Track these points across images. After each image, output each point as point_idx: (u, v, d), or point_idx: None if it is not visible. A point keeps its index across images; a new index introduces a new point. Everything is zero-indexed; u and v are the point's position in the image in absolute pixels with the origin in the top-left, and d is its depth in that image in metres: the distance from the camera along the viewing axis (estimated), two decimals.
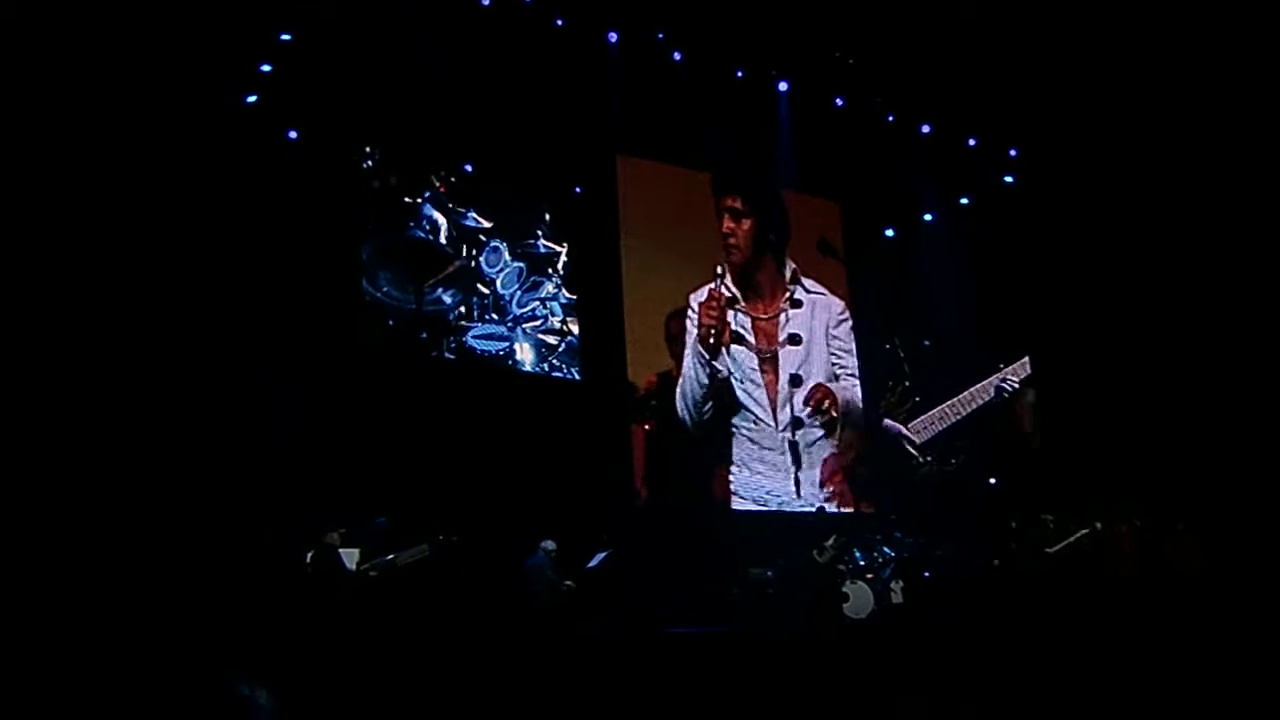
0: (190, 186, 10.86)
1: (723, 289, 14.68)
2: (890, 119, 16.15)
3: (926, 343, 16.53)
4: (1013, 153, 16.85)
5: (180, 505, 9.90)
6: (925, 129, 16.36)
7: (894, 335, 16.42)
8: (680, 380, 14.43)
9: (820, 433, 15.28)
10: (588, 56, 13.96)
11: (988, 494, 15.41)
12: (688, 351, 14.56)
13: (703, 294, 14.71)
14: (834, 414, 15.26)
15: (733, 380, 14.69)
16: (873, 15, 14.20)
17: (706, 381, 14.43)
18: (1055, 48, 14.27)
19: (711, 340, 14.53)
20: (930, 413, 16.39)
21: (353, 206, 12.70)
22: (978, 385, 16.49)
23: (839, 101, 15.85)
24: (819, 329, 15.71)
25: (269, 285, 11.39)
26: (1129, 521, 12.77)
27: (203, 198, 10.93)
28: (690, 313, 14.68)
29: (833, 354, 15.80)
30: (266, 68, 11.78)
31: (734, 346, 14.80)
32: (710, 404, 14.40)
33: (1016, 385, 16.60)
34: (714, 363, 14.50)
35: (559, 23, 13.64)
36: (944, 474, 16.17)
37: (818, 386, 15.30)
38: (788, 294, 15.49)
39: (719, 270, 14.69)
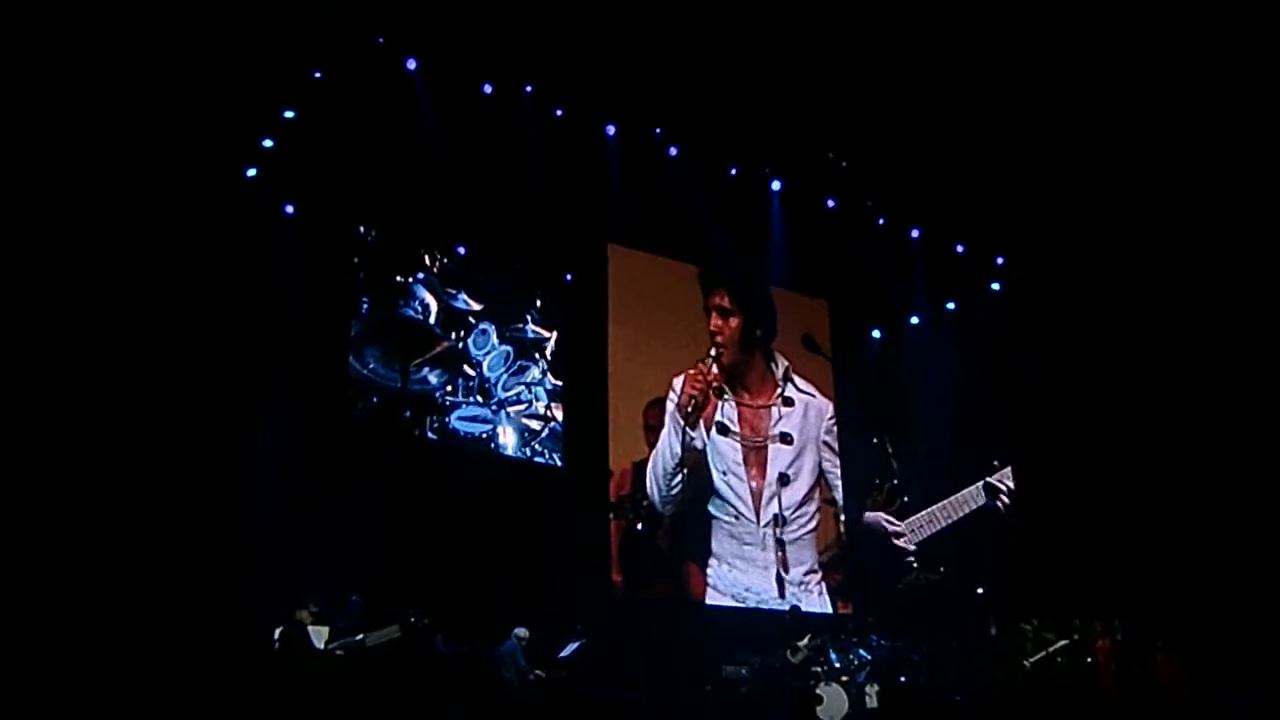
0: (187, 256, 10.94)
1: (712, 368, 14.80)
2: (881, 222, 16.39)
3: (922, 451, 16.45)
4: (1000, 260, 17.06)
5: (152, 574, 9.80)
6: (915, 233, 16.59)
7: (883, 434, 16.40)
8: (653, 455, 14.38)
9: (803, 530, 15.20)
10: (585, 147, 14.20)
11: (973, 603, 15.26)
12: (666, 424, 14.56)
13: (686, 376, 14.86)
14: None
15: (713, 468, 14.65)
16: (866, 120, 14.51)
17: (680, 451, 14.36)
18: (1046, 158, 14.57)
19: (690, 409, 14.56)
20: (921, 514, 16.29)
21: (345, 282, 12.77)
22: (969, 489, 16.45)
23: (831, 203, 16.09)
24: (811, 432, 15.76)
25: (258, 357, 11.41)
26: (1110, 636, 12.65)
27: (199, 267, 11.01)
28: (672, 394, 14.71)
29: (824, 460, 15.84)
30: (268, 143, 11.95)
31: (718, 437, 14.80)
32: (680, 478, 14.28)
33: (1010, 486, 16.54)
34: (689, 430, 14.47)
35: (559, 113, 13.89)
36: (930, 581, 16.02)
37: None
38: (779, 390, 15.56)
39: (712, 353, 14.88)
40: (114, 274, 10.47)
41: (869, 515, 16.12)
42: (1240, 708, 10.56)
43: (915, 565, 16.05)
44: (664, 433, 14.50)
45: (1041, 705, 11.95)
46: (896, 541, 16.11)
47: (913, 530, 16.22)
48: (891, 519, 16.23)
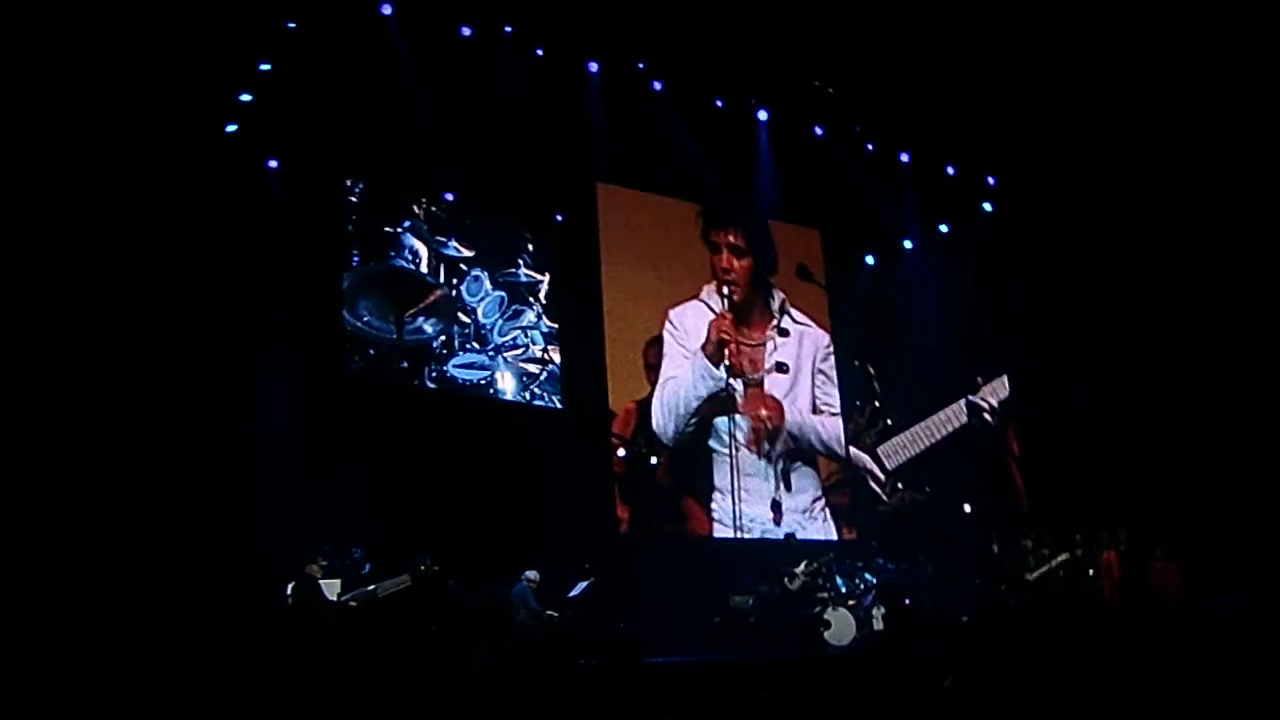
0: (171, 216, 10.84)
1: (727, 309, 14.89)
2: (869, 148, 16.27)
3: (906, 371, 16.41)
4: (991, 181, 16.99)
5: (161, 537, 9.86)
6: (904, 157, 16.48)
7: (865, 356, 16.38)
8: (667, 393, 14.40)
9: (802, 460, 15.28)
10: (568, 86, 14.03)
11: (962, 521, 15.41)
12: (687, 361, 14.58)
13: (685, 310, 14.86)
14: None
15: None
16: (852, 45, 14.33)
17: (704, 394, 14.45)
18: (1034, 77, 14.43)
19: (720, 355, 14.62)
20: (901, 436, 16.31)
21: (333, 236, 12.68)
22: (951, 406, 16.49)
23: (818, 130, 15.96)
24: (806, 361, 15.76)
25: (250, 315, 11.37)
26: (1115, 547, 12.80)
27: (183, 227, 10.90)
28: (670, 328, 14.70)
29: (817, 387, 15.85)
30: (247, 97, 11.77)
31: None
32: (698, 417, 14.38)
33: (994, 405, 16.57)
34: (729, 379, 14.54)
35: (539, 53, 13.72)
36: (916, 502, 16.11)
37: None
38: (774, 322, 15.55)
39: (725, 291, 14.91)
40: (99, 241, 10.37)
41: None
42: (1234, 610, 10.72)
43: (899, 488, 16.11)
44: (685, 369, 14.52)
45: (1044, 619, 12.12)
46: (870, 480, 16.15)
47: (892, 454, 16.27)
48: (868, 443, 16.24)
